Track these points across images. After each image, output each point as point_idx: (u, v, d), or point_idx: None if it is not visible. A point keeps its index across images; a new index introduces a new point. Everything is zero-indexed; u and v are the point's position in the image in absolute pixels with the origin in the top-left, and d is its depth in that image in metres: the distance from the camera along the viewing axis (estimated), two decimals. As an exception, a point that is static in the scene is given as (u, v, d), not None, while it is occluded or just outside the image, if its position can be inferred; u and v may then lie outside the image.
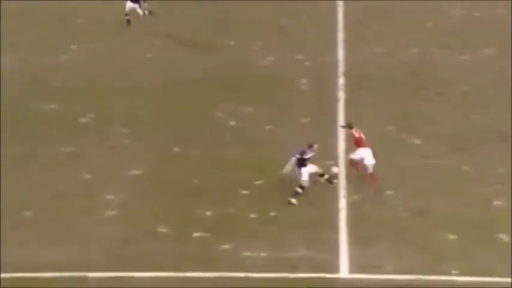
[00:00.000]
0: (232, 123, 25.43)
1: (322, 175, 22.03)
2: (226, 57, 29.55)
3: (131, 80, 27.66)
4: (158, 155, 23.74)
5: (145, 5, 31.31)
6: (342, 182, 22.38)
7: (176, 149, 23.91)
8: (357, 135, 22.34)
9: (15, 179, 22.29)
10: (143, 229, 20.59)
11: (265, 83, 27.87)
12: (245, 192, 22.00)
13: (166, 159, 23.53)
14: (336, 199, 21.79)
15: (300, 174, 21.56)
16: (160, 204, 21.59)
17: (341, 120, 25.36)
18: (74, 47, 29.98)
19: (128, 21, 31.12)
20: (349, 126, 22.89)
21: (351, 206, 21.52)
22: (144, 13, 31.09)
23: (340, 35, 31.19)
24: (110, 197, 21.76)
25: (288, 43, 30.65)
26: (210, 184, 22.32)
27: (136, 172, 22.81)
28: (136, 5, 30.96)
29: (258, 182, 22.16)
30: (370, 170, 22.14)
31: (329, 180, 22.11)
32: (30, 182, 22.24)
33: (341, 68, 28.84)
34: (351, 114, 25.19)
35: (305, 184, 21.60)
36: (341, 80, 28.08)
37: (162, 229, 20.58)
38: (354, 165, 22.58)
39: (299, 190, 21.61)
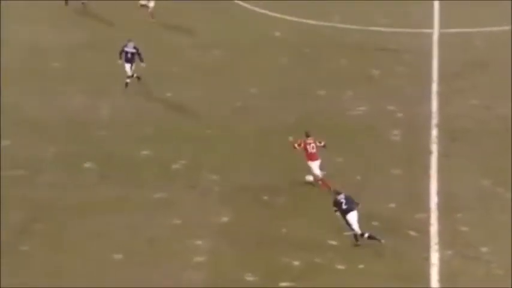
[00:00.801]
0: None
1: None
2: (317, 106, 29.57)
3: (223, 128, 27.94)
4: (247, 202, 23.74)
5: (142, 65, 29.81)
6: (433, 236, 21.83)
7: (265, 197, 23.87)
8: (309, 149, 23.80)
9: (108, 222, 22.66)
10: (230, 277, 20.49)
11: (356, 133, 27.69)
12: (333, 242, 21.69)
13: (255, 206, 23.50)
14: (427, 253, 21.23)
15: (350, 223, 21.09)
16: (248, 251, 21.50)
17: (434, 173, 24.89)
18: (168, 94, 30.60)
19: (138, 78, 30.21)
20: (306, 134, 24.22)
21: (443, 261, 20.91)
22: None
23: (435, 87, 30.81)
24: (198, 242, 21.81)
25: (380, 93, 30.46)
26: (297, 233, 22.14)
27: (224, 219, 22.85)
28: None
29: (346, 233, 21.83)
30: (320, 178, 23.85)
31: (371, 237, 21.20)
32: (122, 225, 22.58)
33: (435, 120, 28.41)
34: (444, 167, 24.68)
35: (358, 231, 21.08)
36: (434, 132, 27.63)
37: (249, 277, 20.44)
38: (324, 183, 23.39)
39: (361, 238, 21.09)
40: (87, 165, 25.54)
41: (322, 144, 24.17)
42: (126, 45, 29.77)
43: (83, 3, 38.06)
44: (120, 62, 29.86)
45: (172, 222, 22.72)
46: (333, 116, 28.93)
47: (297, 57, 33.88)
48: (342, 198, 21.38)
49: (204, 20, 37.69)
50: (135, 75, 30.18)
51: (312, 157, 24.02)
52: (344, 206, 21.23)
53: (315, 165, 24.00)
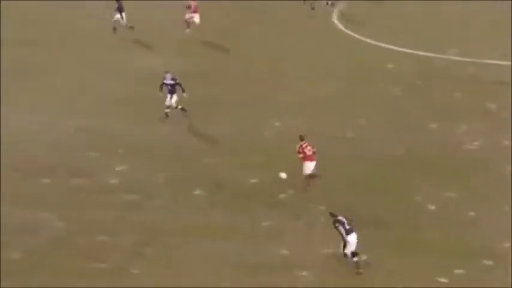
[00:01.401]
0: (432, 207, 24.68)
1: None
2: (429, 139, 28.94)
3: (330, 157, 27.64)
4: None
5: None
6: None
7: (370, 230, 23.40)
8: (306, 152, 25.39)
9: (216, 248, 22.74)
10: (335, 309, 20.21)
11: (469, 167, 26.91)
12: (443, 280, 21.03)
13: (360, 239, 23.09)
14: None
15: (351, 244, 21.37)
16: (351, 283, 21.11)
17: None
18: (277, 124, 30.69)
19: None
20: (301, 138, 25.69)
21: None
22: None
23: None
24: (303, 273, 21.59)
25: (495, 127, 29.54)
26: (403, 268, 21.61)
27: (329, 251, 22.53)
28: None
29: (458, 271, 21.10)
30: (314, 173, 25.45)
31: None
32: (229, 251, 22.60)
33: (554, 156, 27.30)
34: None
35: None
36: (552, 169, 26.53)
37: (354, 311, 20.08)
38: (311, 177, 25.31)
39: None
40: (196, 192, 25.87)
41: (315, 149, 25.73)
42: (164, 78, 30.06)
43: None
44: (161, 94, 30.22)
45: (278, 251, 22.59)
46: (445, 149, 28.23)
47: (409, 89, 33.41)
48: (343, 218, 21.67)
49: (318, 50, 37.79)
50: (179, 106, 30.26)
51: (310, 158, 25.66)
52: (347, 226, 21.53)
53: (311, 165, 25.60)
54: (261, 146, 28.89)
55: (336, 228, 21.59)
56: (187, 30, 39.28)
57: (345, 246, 21.56)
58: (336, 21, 42.31)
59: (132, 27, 38.93)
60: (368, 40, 39.04)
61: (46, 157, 27.63)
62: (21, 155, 27.70)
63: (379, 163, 27.21)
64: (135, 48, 37.69)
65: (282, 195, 25.58)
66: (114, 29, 38.85)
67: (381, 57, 36.85)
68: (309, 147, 25.72)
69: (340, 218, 21.73)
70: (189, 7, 39.45)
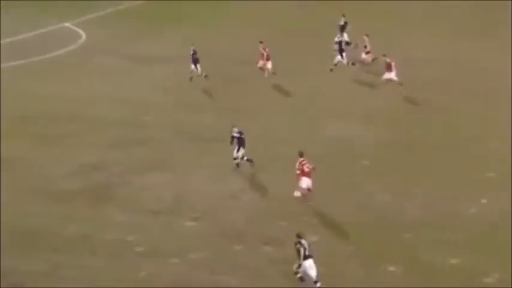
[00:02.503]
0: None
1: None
2: None
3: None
4: None
5: None
6: None
7: None
8: (305, 168, 27.05)
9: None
10: None
11: None
12: None
13: None
14: None
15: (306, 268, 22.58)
16: None
17: None
18: (484, 201, 28.10)
19: None
20: (300, 154, 27.37)
21: None
22: None
23: None
24: None
25: None
26: None
27: None
28: None
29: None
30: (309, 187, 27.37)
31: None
32: None
33: None
34: None
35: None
36: None
37: None
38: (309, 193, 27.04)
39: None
40: (391, 268, 23.88)
41: (312, 167, 27.35)
42: (232, 131, 31.21)
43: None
44: (231, 146, 31.11)
45: None
46: None
47: None
48: (306, 243, 22.74)
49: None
50: (245, 157, 30.94)
51: (307, 174, 27.40)
52: (307, 252, 22.70)
53: (308, 181, 27.42)
54: (465, 223, 26.48)
55: (297, 249, 22.67)
56: (266, 75, 40.63)
57: (299, 267, 22.73)
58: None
59: (206, 76, 40.21)
60: None
61: (239, 224, 26.93)
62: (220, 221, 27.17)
63: None
64: (323, 116, 36.53)
65: (486, 280, 22.98)
66: (191, 78, 40.56)
67: None
68: (307, 165, 27.32)
69: (303, 241, 22.70)
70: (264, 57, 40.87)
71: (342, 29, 44.99)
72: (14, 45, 48.05)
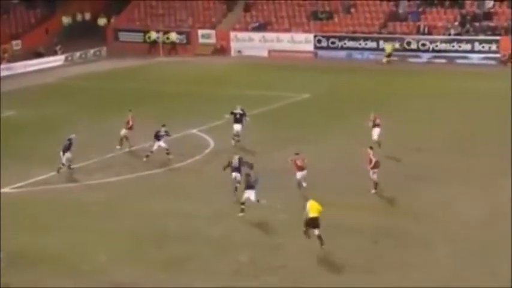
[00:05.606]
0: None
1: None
2: None
3: None
4: None
5: None
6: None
7: None
8: (299, 163, 33.23)
9: None
10: None
11: None
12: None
13: None
14: None
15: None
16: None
17: None
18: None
19: None
20: (296, 154, 33.51)
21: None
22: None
23: None
24: None
25: None
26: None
27: None
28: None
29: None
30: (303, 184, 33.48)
31: None
32: None
33: None
34: None
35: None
36: None
37: None
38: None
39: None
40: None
41: (305, 161, 33.45)
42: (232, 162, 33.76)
43: None
44: (224, 171, 34.09)
45: None
46: None
47: None
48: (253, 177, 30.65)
49: None
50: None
51: (301, 169, 33.28)
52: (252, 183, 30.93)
53: (302, 174, 33.37)
54: None
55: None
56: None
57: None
58: None
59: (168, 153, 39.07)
60: None
61: None
62: None
63: None
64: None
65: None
66: (146, 157, 39.41)
67: None
68: (299, 160, 33.18)
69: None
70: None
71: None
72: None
